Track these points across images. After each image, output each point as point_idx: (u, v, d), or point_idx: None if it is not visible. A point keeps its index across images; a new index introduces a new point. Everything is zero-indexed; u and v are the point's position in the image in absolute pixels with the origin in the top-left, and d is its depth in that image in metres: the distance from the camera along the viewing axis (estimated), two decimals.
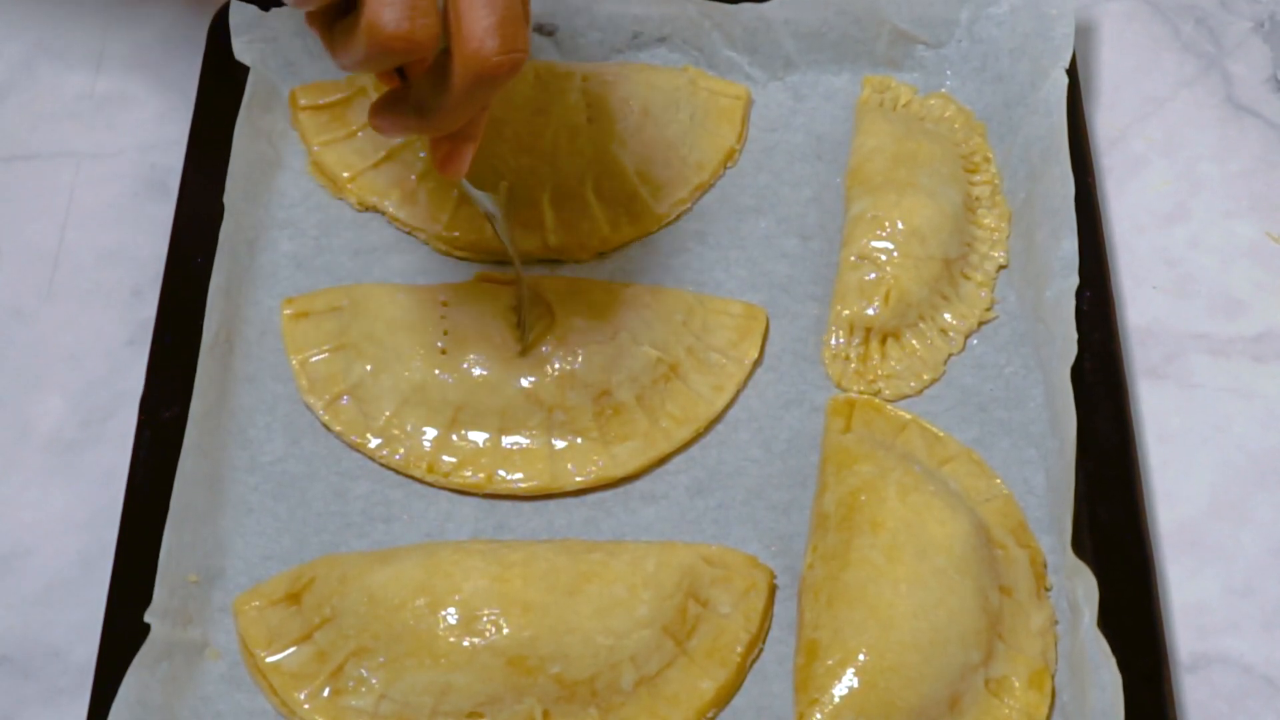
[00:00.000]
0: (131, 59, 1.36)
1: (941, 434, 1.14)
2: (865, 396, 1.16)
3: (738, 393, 1.17)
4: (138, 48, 1.36)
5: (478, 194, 1.10)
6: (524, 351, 1.14)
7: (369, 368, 1.16)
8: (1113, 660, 1.01)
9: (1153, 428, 1.18)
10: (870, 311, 1.17)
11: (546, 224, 1.22)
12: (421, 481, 1.14)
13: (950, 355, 1.18)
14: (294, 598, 1.08)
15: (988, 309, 1.19)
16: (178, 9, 1.39)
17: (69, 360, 1.21)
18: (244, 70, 1.26)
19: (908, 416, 1.15)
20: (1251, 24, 1.38)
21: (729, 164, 1.27)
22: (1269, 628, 1.12)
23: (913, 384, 1.17)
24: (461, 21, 0.87)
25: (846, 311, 1.17)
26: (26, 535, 1.14)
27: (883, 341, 1.18)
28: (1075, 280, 1.14)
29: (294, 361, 1.17)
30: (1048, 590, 1.09)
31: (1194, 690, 1.09)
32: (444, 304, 1.16)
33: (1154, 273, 1.25)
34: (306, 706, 1.04)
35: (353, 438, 1.14)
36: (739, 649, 1.07)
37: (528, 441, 1.14)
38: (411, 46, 0.87)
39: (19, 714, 1.08)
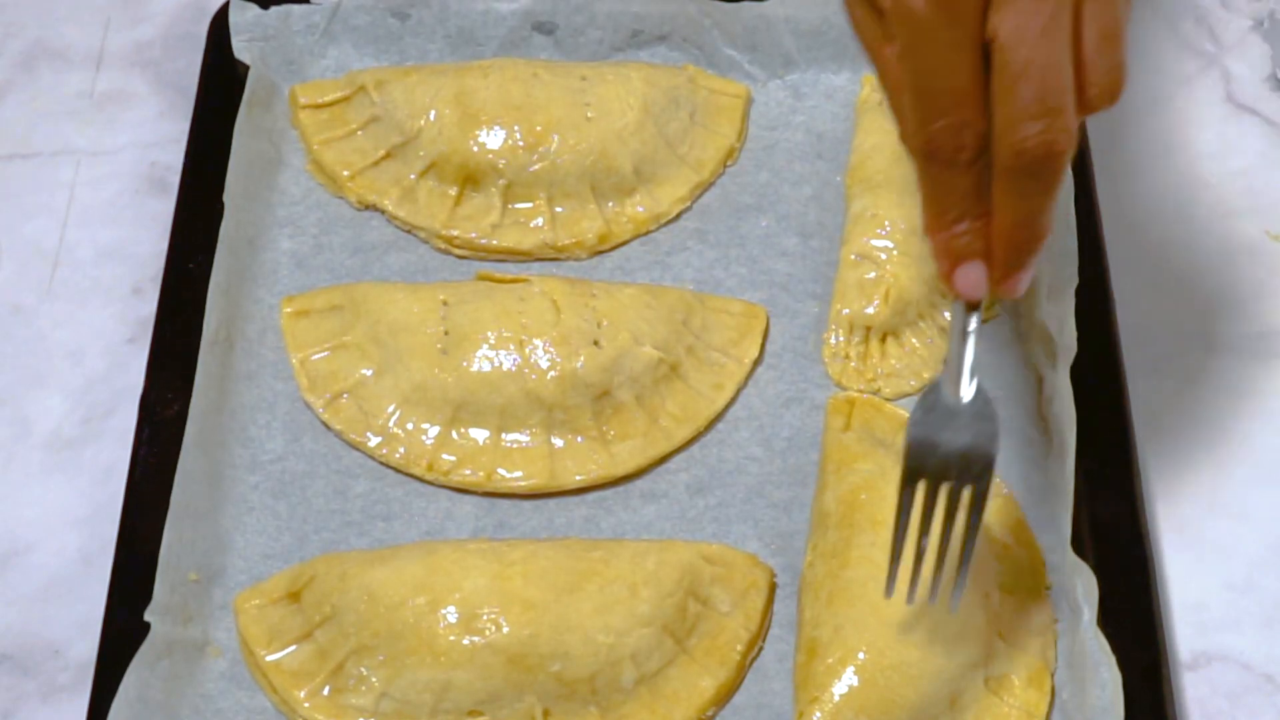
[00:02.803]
0: (131, 57, 1.37)
1: None
2: (865, 395, 1.16)
3: (738, 391, 1.17)
4: (138, 46, 1.37)
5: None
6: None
7: (369, 366, 1.16)
8: (1112, 658, 1.01)
9: (1152, 426, 1.18)
10: (870, 310, 1.17)
11: (545, 222, 1.23)
12: (421, 480, 1.14)
13: None
14: (294, 596, 1.08)
15: (988, 308, 1.19)
16: (178, 7, 1.39)
17: (69, 358, 1.22)
18: (244, 68, 1.27)
19: (907, 415, 1.14)
20: (1251, 22, 1.39)
21: (729, 162, 1.27)
22: (1269, 625, 1.12)
23: (913, 382, 1.17)
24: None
25: (846, 310, 1.18)
26: (27, 532, 1.15)
27: (882, 340, 1.18)
28: (1075, 279, 1.14)
29: (294, 360, 1.17)
30: (1047, 589, 1.09)
31: (1194, 688, 1.09)
32: (444, 303, 1.16)
33: (1153, 271, 1.26)
34: (307, 705, 1.05)
35: (353, 436, 1.15)
36: (739, 647, 1.07)
37: (527, 440, 1.14)
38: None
39: (18, 711, 1.09)
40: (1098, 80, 0.82)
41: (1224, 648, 1.11)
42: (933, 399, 0.94)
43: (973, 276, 0.89)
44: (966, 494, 0.95)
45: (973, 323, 0.92)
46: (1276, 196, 1.30)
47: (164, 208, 1.25)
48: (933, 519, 0.95)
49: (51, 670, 1.10)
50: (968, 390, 0.94)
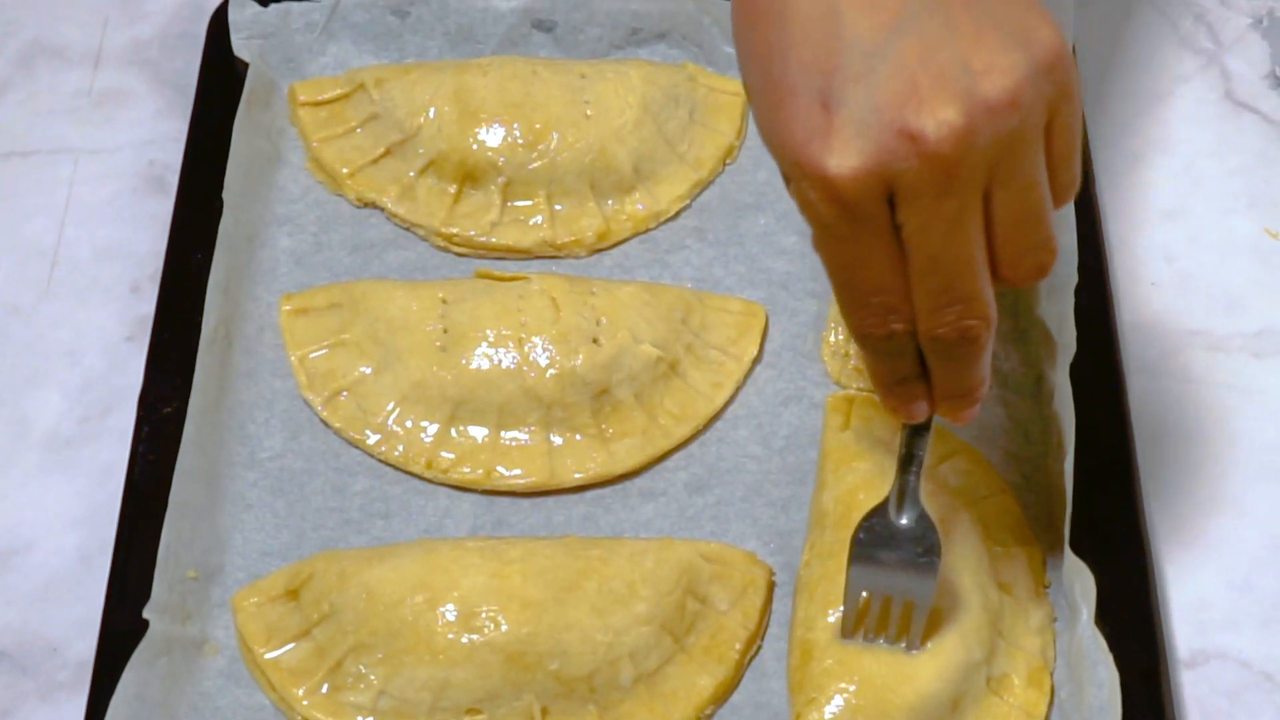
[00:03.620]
0: (130, 56, 1.37)
1: (941, 429, 1.13)
2: (864, 393, 1.16)
3: (737, 390, 1.18)
4: (136, 45, 1.38)
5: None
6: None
7: (368, 364, 1.17)
8: (1110, 658, 1.01)
9: (1151, 424, 1.19)
10: None
11: (545, 220, 1.23)
12: (420, 478, 1.14)
13: None
14: (292, 594, 1.08)
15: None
16: (176, 6, 1.40)
17: (67, 356, 1.22)
18: (243, 66, 1.27)
19: None
20: (1250, 20, 1.39)
21: (728, 161, 1.27)
22: (1268, 624, 1.12)
23: None
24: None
25: None
26: (25, 531, 1.15)
27: None
28: (1074, 278, 1.14)
29: (293, 358, 1.17)
30: (1046, 587, 1.09)
31: (1193, 686, 1.10)
32: (443, 301, 1.17)
33: (1152, 269, 1.26)
34: (305, 703, 1.05)
35: (351, 434, 1.15)
36: (737, 646, 1.07)
37: (526, 438, 1.15)
38: None
39: (17, 710, 1.09)
40: (1013, 264, 0.85)
41: (1223, 646, 1.11)
42: (876, 521, 1.00)
43: (915, 408, 0.94)
44: (909, 604, 1.01)
45: (919, 446, 0.98)
46: (1275, 193, 1.30)
47: (162, 206, 1.25)
48: (880, 621, 1.03)
49: (50, 669, 1.10)
50: (910, 514, 1.00)
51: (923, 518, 1.00)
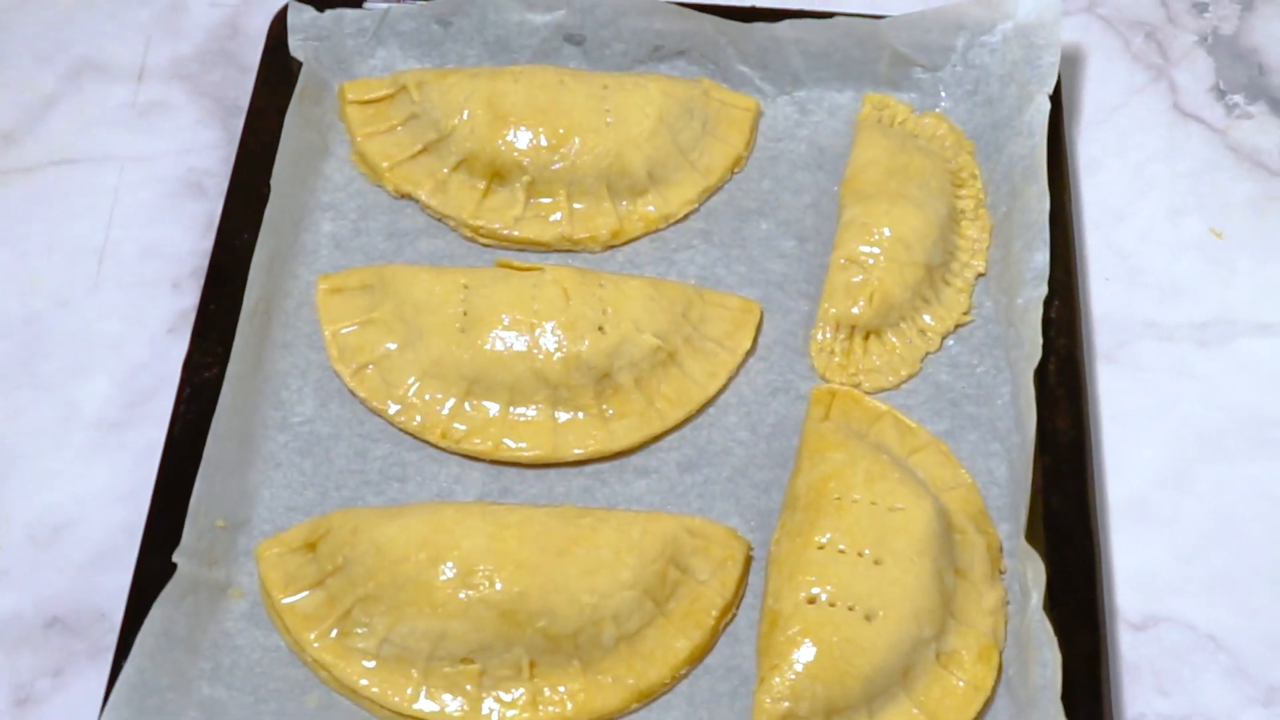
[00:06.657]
0: (170, 71, 1.43)
1: (914, 425, 1.19)
2: (846, 388, 1.20)
3: (729, 379, 1.22)
4: (176, 61, 1.44)
5: None
6: None
7: (394, 341, 1.21)
8: (1054, 641, 1.05)
9: (1107, 408, 1.24)
10: (855, 310, 1.22)
11: (564, 217, 1.28)
12: (435, 446, 1.19)
13: (927, 353, 1.23)
14: (311, 546, 1.13)
15: (965, 313, 1.24)
16: (214, 25, 1.45)
17: (113, 347, 1.28)
18: (296, 65, 1.32)
19: (884, 408, 1.20)
20: (1196, 38, 1.45)
21: (736, 169, 1.32)
22: (1211, 590, 1.18)
23: (890, 378, 1.22)
24: None
25: (834, 309, 1.22)
26: (75, 508, 1.21)
27: (865, 338, 1.23)
28: (1045, 290, 1.18)
29: (326, 332, 1.22)
30: (1002, 573, 1.13)
31: (1144, 646, 1.16)
32: (464, 286, 1.21)
33: (1107, 265, 1.32)
34: (316, 645, 1.10)
35: (375, 403, 1.20)
36: (714, 613, 1.12)
37: (534, 414, 1.19)
38: None
39: (68, 668, 1.15)
40: None
41: (1171, 610, 1.17)
42: None
43: None
44: None
45: None
46: (1219, 196, 1.35)
47: (200, 208, 1.32)
48: None
49: (98, 633, 1.16)
50: None
51: None
